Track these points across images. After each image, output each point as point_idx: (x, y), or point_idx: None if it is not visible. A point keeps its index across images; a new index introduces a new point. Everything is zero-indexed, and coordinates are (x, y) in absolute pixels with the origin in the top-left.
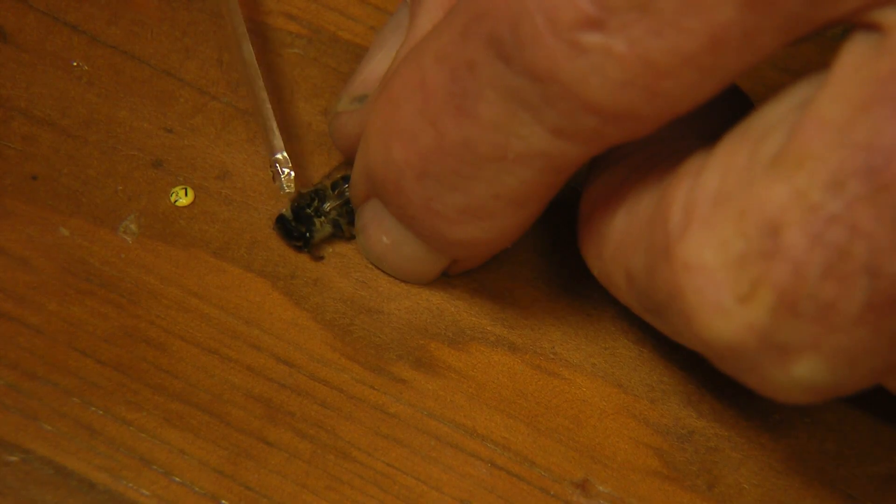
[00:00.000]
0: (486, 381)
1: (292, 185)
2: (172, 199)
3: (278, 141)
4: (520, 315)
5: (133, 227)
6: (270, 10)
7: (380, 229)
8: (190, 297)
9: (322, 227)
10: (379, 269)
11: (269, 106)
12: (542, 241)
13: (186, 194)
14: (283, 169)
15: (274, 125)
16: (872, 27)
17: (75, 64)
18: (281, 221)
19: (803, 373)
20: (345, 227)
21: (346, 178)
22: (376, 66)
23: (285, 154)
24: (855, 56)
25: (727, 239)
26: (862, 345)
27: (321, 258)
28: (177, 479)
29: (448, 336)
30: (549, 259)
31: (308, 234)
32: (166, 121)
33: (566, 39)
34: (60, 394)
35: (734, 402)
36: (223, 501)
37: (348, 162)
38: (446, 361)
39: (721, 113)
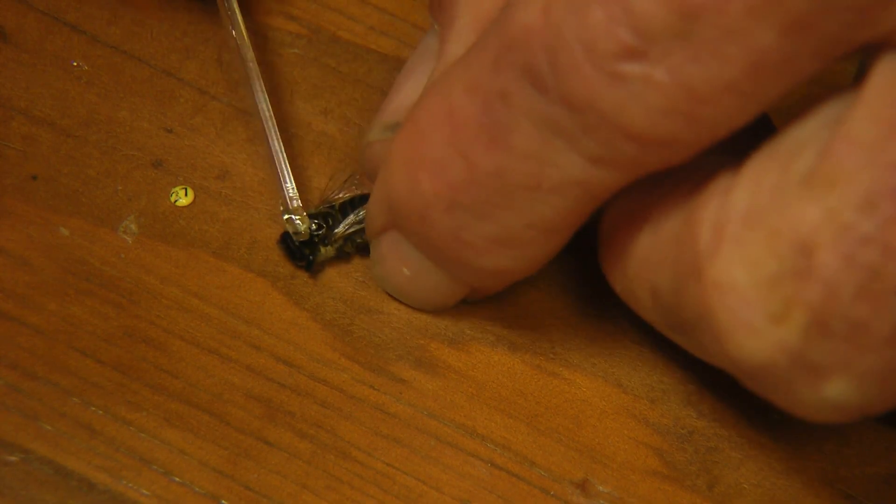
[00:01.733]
0: (486, 381)
1: (304, 225)
2: (172, 199)
3: (293, 190)
4: (520, 315)
5: (133, 227)
6: (270, 10)
7: (400, 261)
8: (190, 297)
9: (326, 253)
10: (395, 299)
11: (282, 152)
12: None
13: (186, 194)
14: (295, 214)
15: (286, 168)
16: None
17: (75, 64)
18: (286, 242)
19: (834, 393)
20: (349, 250)
21: (353, 202)
22: (407, 92)
23: (296, 199)
24: (886, 76)
25: (759, 258)
26: (893, 365)
27: (318, 270)
28: (177, 479)
29: (448, 336)
30: (550, 260)
31: (311, 259)
32: (166, 121)
33: (606, 70)
34: (60, 394)
35: (734, 402)
36: (223, 501)
37: (351, 169)
38: (446, 361)
39: (746, 133)
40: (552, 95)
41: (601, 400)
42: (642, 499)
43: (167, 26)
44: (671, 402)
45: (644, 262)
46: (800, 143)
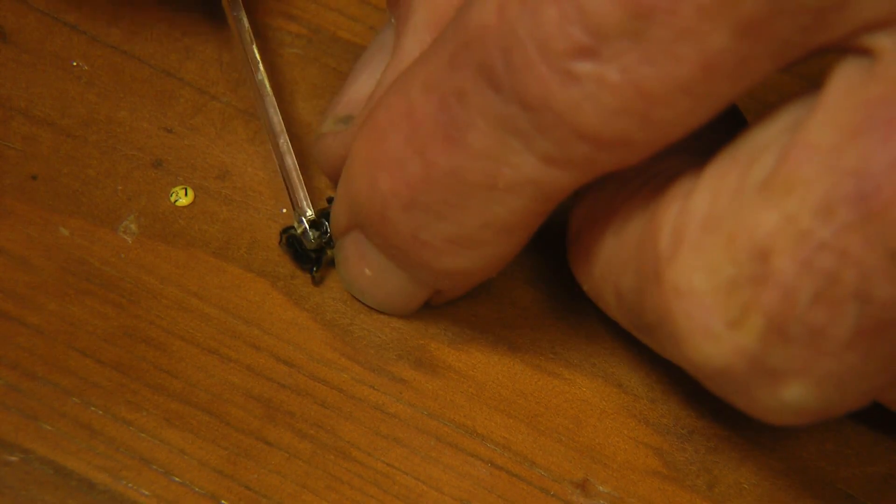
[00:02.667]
0: (486, 381)
1: (313, 235)
2: (172, 199)
3: (307, 201)
4: (520, 315)
5: (133, 227)
6: (270, 10)
7: (362, 261)
8: (190, 297)
9: (331, 254)
10: (360, 301)
11: (297, 171)
12: (541, 240)
13: (186, 194)
14: (309, 228)
15: (301, 188)
16: (863, 52)
17: (75, 64)
18: (292, 245)
19: (793, 397)
20: None
21: None
22: (361, 86)
23: (310, 209)
24: (845, 80)
25: (717, 264)
26: (851, 369)
27: (320, 281)
28: (177, 479)
29: (448, 336)
30: (549, 259)
31: (317, 265)
32: (166, 121)
33: (559, 68)
34: (60, 394)
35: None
36: (223, 501)
37: None
38: (446, 361)
39: (711, 128)
40: (507, 94)
41: (601, 400)
42: (642, 499)
43: (167, 26)
44: (671, 402)
45: (609, 263)
46: (760, 147)
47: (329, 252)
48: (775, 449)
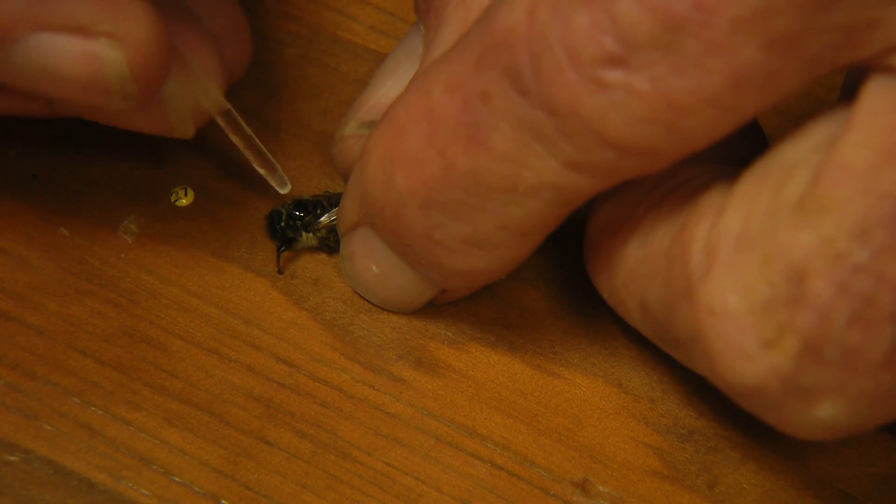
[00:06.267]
0: (486, 381)
1: (286, 182)
2: (172, 199)
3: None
4: (520, 315)
5: (133, 227)
6: (270, 10)
7: (370, 258)
8: (190, 297)
9: (306, 240)
10: (363, 297)
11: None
12: (542, 242)
13: (186, 194)
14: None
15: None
16: (892, 71)
17: None
18: (271, 219)
19: (825, 415)
20: (332, 244)
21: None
22: (387, 91)
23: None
24: (877, 101)
25: (752, 284)
26: (885, 387)
27: (281, 272)
28: (177, 479)
29: (448, 336)
30: (549, 259)
31: (290, 241)
32: None
33: (588, 75)
34: (60, 394)
35: (734, 402)
36: (223, 501)
37: None
38: (446, 361)
39: (731, 137)
40: (533, 98)
41: (601, 400)
42: (642, 499)
43: None
44: (671, 402)
45: (633, 274)
46: (791, 164)
47: (304, 235)
48: (775, 449)
